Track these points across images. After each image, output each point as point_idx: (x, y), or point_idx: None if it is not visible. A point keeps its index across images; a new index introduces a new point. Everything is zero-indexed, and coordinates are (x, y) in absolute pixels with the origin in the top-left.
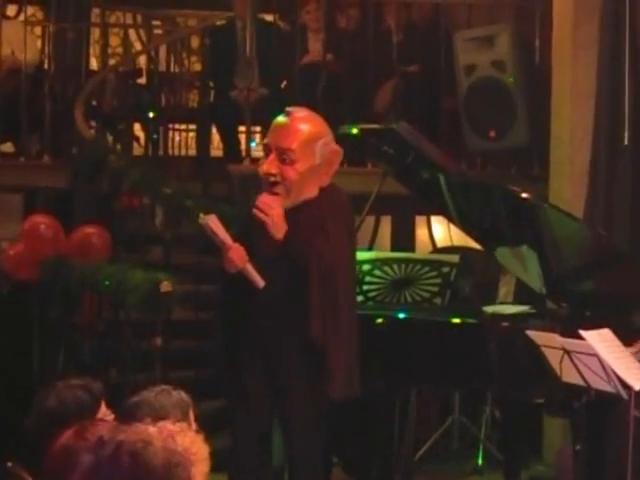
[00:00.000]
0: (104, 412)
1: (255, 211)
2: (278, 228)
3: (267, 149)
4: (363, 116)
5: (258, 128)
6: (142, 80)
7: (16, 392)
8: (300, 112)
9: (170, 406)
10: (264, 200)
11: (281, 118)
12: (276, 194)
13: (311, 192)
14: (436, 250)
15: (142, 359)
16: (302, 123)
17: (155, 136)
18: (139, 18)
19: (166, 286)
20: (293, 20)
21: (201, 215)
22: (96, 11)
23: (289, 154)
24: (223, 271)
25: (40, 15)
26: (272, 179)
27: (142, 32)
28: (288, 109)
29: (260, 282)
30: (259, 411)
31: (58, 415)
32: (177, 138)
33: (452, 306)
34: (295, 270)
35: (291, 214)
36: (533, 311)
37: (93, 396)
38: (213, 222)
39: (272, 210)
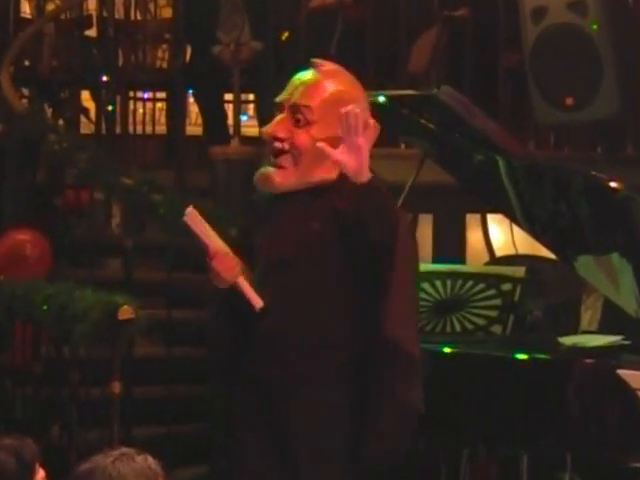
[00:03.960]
0: None
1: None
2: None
3: (278, 108)
4: (393, 79)
5: (250, 96)
6: (92, 32)
7: None
8: (330, 65)
9: (133, 476)
10: None
11: (304, 71)
12: (280, 167)
13: (327, 172)
14: (494, 261)
15: (94, 412)
16: (330, 78)
17: (110, 108)
18: None
19: (126, 312)
20: None
21: (188, 209)
22: None
23: (306, 113)
24: (215, 289)
25: None
26: (278, 145)
27: None
28: (315, 60)
29: (257, 301)
30: None
31: None
32: (140, 111)
33: (516, 337)
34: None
35: (299, 201)
36: (627, 343)
37: (23, 463)
38: (191, 218)
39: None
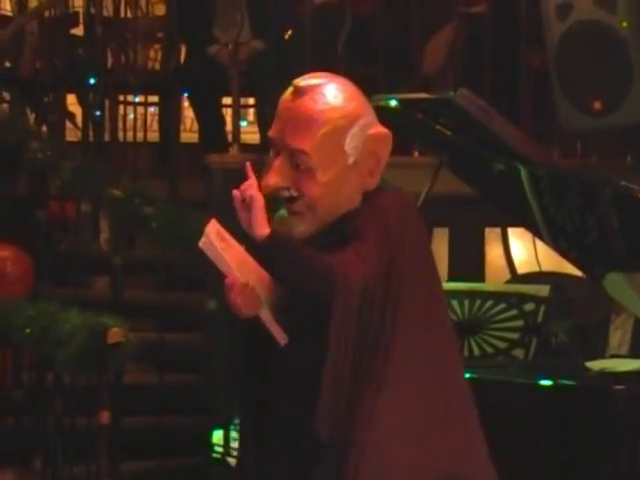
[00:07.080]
0: None
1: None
2: (258, 222)
3: (274, 146)
4: (406, 81)
5: (250, 100)
6: (78, 30)
7: None
8: (320, 84)
9: None
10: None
11: (290, 96)
12: (297, 213)
13: (351, 202)
14: (516, 278)
15: (80, 443)
16: (321, 105)
17: (98, 113)
18: None
19: (115, 335)
20: None
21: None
22: None
23: (302, 159)
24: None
25: None
26: (286, 194)
27: None
28: (300, 82)
29: (282, 337)
30: None
31: None
32: (131, 116)
33: (540, 361)
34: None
35: (321, 237)
36: None
37: None
38: (207, 242)
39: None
